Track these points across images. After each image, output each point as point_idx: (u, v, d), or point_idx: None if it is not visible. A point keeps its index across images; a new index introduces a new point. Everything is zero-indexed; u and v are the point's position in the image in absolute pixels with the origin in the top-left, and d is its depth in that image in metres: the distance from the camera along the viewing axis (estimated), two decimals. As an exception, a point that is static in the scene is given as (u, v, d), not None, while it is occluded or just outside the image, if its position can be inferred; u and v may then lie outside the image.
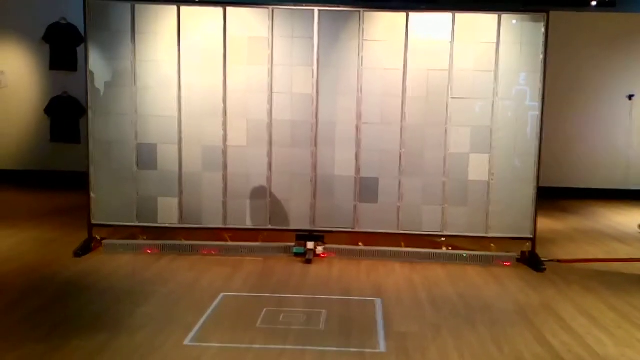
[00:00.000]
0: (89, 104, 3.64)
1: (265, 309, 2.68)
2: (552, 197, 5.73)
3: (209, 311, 2.64)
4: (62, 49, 6.30)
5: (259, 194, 3.68)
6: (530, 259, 3.59)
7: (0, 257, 3.48)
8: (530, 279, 3.30)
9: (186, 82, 3.60)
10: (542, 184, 3.68)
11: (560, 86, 5.94)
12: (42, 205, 5.12)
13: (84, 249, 3.58)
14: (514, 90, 3.57)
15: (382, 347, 2.30)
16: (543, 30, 3.50)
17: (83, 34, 3.64)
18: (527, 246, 3.64)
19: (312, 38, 3.56)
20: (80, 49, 6.12)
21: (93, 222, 3.68)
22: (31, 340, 2.28)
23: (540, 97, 3.55)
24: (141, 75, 3.60)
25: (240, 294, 2.90)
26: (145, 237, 3.74)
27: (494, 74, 3.54)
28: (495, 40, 3.52)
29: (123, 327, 2.44)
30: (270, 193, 3.67)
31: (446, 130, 3.58)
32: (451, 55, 3.53)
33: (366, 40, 3.54)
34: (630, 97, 6.22)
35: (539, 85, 3.54)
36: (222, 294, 2.87)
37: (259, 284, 3.08)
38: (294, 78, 3.59)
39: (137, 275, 3.17)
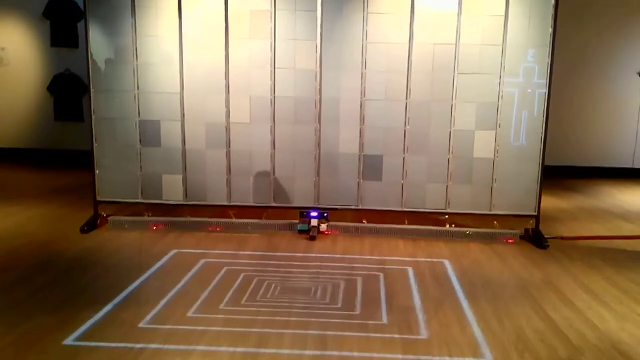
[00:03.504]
0: (91, 81, 3.61)
1: (266, 282, 2.72)
2: (558, 175, 5.69)
3: (213, 283, 2.69)
4: (63, 25, 6.23)
5: (263, 171, 3.68)
6: (534, 236, 3.59)
7: (8, 233, 3.53)
8: (533, 256, 3.31)
9: (188, 57, 3.56)
10: (548, 162, 3.64)
11: (568, 62, 5.82)
12: (48, 184, 5.16)
13: (90, 226, 3.63)
14: (522, 66, 3.50)
15: (385, 319, 2.34)
16: (553, 2, 3.41)
17: (83, 8, 3.58)
18: (531, 223, 3.64)
19: (315, 11, 3.48)
20: (81, 25, 6.05)
21: (98, 198, 3.71)
22: (40, 313, 2.34)
23: (548, 73, 3.48)
24: (142, 51, 3.56)
25: (244, 267, 2.94)
26: (150, 214, 3.77)
27: (501, 48, 3.47)
28: (503, 13, 3.44)
29: (130, 300, 2.48)
30: (274, 170, 3.67)
31: (452, 107, 3.54)
32: (458, 29, 3.46)
33: (371, 13, 3.47)
34: (641, 73, 6.09)
35: (547, 60, 3.47)
36: (225, 268, 2.91)
37: (263, 259, 3.12)
38: (297, 53, 3.53)
39: (143, 251, 3.21)
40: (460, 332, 2.24)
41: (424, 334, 2.22)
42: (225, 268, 2.94)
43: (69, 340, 2.10)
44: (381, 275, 2.89)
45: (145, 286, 2.68)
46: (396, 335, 2.20)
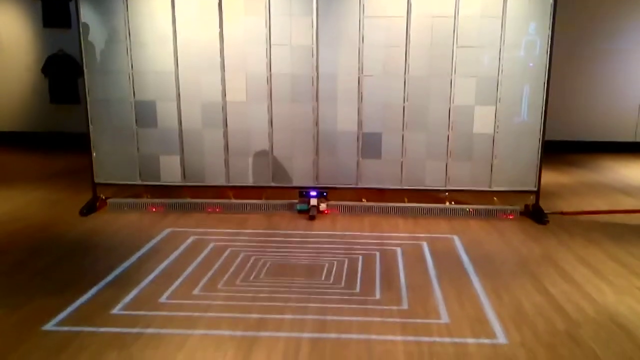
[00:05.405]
0: (84, 62, 3.55)
1: (269, 263, 2.72)
2: (560, 150, 5.65)
3: (216, 265, 2.70)
4: (55, 4, 6.09)
5: (261, 151, 3.65)
6: (534, 212, 3.58)
7: (7, 217, 3.53)
8: (533, 232, 3.31)
9: (182, 35, 3.48)
10: (550, 137, 3.60)
11: (570, 35, 5.70)
12: (45, 167, 5.14)
13: (90, 208, 3.62)
14: (523, 39, 3.41)
15: (384, 297, 2.35)
16: (556, -29, 3.30)
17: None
18: (531, 199, 3.62)
19: (311, -15, 3.39)
20: (72, 4, 5.91)
21: (96, 181, 3.70)
22: (41, 295, 2.35)
23: (549, 46, 3.40)
24: (135, 30, 3.48)
25: (245, 248, 2.94)
26: (149, 196, 3.76)
27: (501, 21, 3.38)
28: (504, -16, 3.34)
29: (131, 282, 2.49)
30: (272, 150, 3.64)
31: (451, 82, 3.48)
32: (457, 0, 3.36)
33: (368, -14, 3.37)
34: (644, 45, 5.96)
35: (548, 32, 3.38)
36: (229, 250, 2.92)
37: (263, 239, 3.12)
38: (293, 29, 3.45)
39: (143, 233, 3.21)
40: (466, 307, 2.25)
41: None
42: (229, 249, 2.95)
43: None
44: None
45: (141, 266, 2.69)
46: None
